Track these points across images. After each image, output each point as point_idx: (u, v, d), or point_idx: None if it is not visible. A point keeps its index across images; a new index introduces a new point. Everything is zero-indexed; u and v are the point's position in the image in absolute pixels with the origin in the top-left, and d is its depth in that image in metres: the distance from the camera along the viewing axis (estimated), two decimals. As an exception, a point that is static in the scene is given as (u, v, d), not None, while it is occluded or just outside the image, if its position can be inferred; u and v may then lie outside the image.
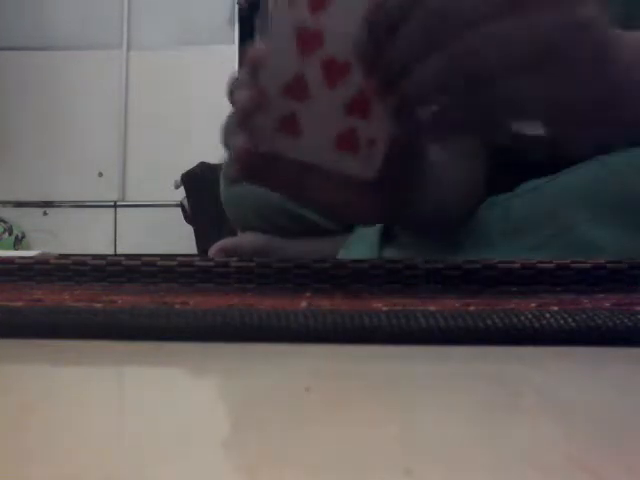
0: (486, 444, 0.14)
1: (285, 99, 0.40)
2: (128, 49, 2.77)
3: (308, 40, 0.38)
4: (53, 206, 2.67)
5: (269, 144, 0.42)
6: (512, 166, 0.61)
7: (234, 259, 0.39)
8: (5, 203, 2.69)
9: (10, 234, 2.58)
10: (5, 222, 2.60)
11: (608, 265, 0.38)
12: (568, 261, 0.39)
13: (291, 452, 0.14)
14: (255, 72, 0.40)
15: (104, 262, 0.41)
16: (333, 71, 0.39)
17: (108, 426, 0.16)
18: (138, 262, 0.39)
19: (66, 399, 0.19)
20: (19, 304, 0.28)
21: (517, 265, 0.39)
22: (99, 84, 2.74)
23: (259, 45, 0.40)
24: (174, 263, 0.39)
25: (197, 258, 0.40)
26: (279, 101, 0.40)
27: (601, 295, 0.33)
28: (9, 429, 0.15)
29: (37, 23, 2.76)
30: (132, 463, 0.13)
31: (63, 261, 0.42)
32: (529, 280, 0.38)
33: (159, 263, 0.39)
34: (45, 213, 2.66)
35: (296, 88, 0.40)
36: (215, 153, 0.74)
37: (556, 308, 0.25)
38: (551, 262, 0.39)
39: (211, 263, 0.39)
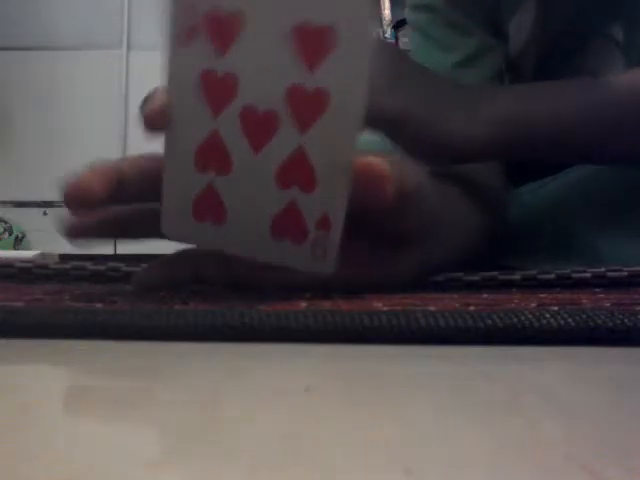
0: (486, 444, 0.14)
1: (199, 173, 0.30)
2: (128, 49, 2.77)
3: (218, 87, 0.29)
4: (53, 206, 2.67)
5: (188, 237, 0.32)
6: (511, 169, 0.61)
7: None
8: (5, 203, 2.69)
9: (10, 234, 2.58)
10: (5, 222, 2.60)
11: (608, 274, 0.38)
12: (568, 271, 0.39)
13: (290, 452, 0.14)
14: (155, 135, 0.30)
15: (104, 268, 0.41)
16: (256, 126, 0.29)
17: (108, 426, 0.16)
18: (138, 268, 0.39)
19: (66, 399, 0.19)
20: (19, 304, 0.28)
21: (517, 276, 0.39)
22: (99, 84, 2.74)
23: (157, 99, 0.30)
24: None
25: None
26: (191, 177, 0.30)
27: (601, 295, 0.33)
28: (9, 429, 0.15)
29: (37, 23, 2.76)
30: (132, 463, 0.13)
31: (62, 266, 0.42)
32: (529, 288, 0.39)
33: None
34: (45, 213, 2.66)
35: (211, 155, 0.30)
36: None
37: (556, 308, 0.25)
38: (551, 273, 0.39)
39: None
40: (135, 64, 2.74)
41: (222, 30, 0.29)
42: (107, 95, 2.73)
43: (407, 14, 0.67)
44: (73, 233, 0.33)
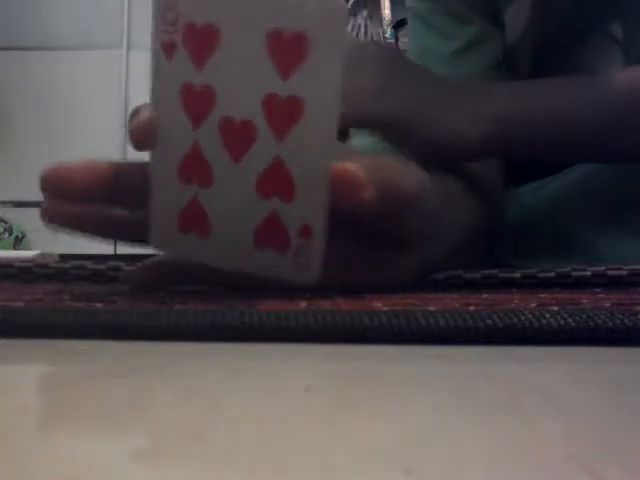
0: (486, 444, 0.14)
1: (183, 186, 0.31)
2: (128, 49, 2.77)
3: (197, 100, 0.30)
4: (53, 206, 2.67)
5: (174, 248, 0.32)
6: (511, 169, 0.61)
7: None
8: (5, 203, 2.69)
9: (10, 234, 2.58)
10: (5, 222, 2.60)
11: (608, 272, 0.38)
12: (568, 269, 0.39)
13: (291, 452, 0.14)
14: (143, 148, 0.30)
15: (104, 267, 0.41)
16: (234, 136, 0.30)
17: (108, 426, 0.16)
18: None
19: (66, 399, 0.19)
20: (19, 304, 0.28)
21: (517, 275, 0.39)
22: (99, 84, 2.74)
23: (143, 116, 0.30)
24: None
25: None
26: (176, 190, 0.31)
27: (601, 295, 0.33)
28: (8, 429, 0.15)
29: (37, 23, 2.76)
30: (133, 463, 0.13)
31: (62, 265, 0.42)
32: (529, 288, 0.39)
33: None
34: (45, 213, 2.66)
35: (193, 167, 0.30)
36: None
37: (556, 308, 0.25)
38: (551, 271, 0.39)
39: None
40: (135, 64, 2.74)
41: (199, 44, 0.29)
42: (107, 95, 2.74)
43: (407, 2, 0.67)
44: (47, 218, 0.32)
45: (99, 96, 2.72)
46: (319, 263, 0.31)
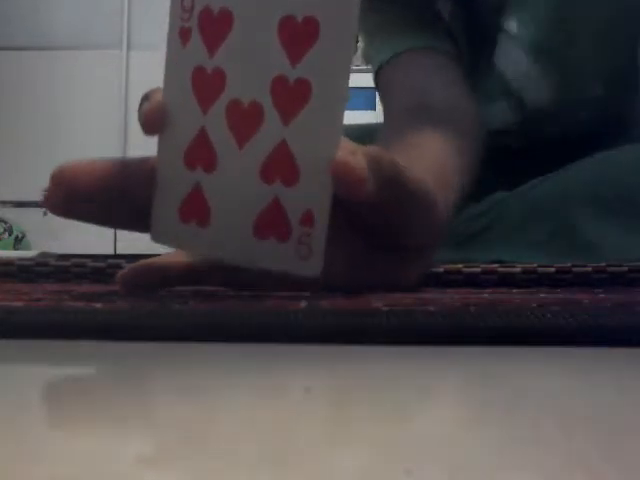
0: (486, 444, 0.14)
1: (188, 171, 0.31)
2: (128, 49, 2.77)
3: (207, 84, 0.30)
4: (53, 206, 2.67)
5: (174, 240, 0.32)
6: (511, 165, 0.61)
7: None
8: (5, 203, 2.69)
9: (10, 234, 2.57)
10: (5, 222, 2.60)
11: (609, 269, 0.38)
12: (569, 265, 0.39)
13: (291, 452, 0.14)
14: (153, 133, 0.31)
15: (104, 265, 0.41)
16: (241, 119, 0.30)
17: (108, 426, 0.16)
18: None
19: (66, 399, 0.19)
20: (19, 304, 0.28)
21: (518, 269, 0.39)
22: (99, 84, 2.74)
23: (154, 101, 0.31)
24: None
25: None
26: (181, 176, 0.31)
27: (602, 295, 0.33)
28: (8, 429, 0.15)
29: (37, 23, 2.76)
30: (132, 464, 0.13)
31: (63, 263, 0.42)
32: (530, 284, 0.39)
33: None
34: (45, 213, 2.65)
35: (199, 152, 0.30)
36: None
37: (557, 308, 0.25)
38: (552, 266, 0.39)
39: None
40: (135, 64, 2.74)
41: (213, 28, 0.30)
42: (107, 95, 2.73)
43: None
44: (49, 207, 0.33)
45: (98, 96, 2.72)
46: (322, 253, 0.30)
